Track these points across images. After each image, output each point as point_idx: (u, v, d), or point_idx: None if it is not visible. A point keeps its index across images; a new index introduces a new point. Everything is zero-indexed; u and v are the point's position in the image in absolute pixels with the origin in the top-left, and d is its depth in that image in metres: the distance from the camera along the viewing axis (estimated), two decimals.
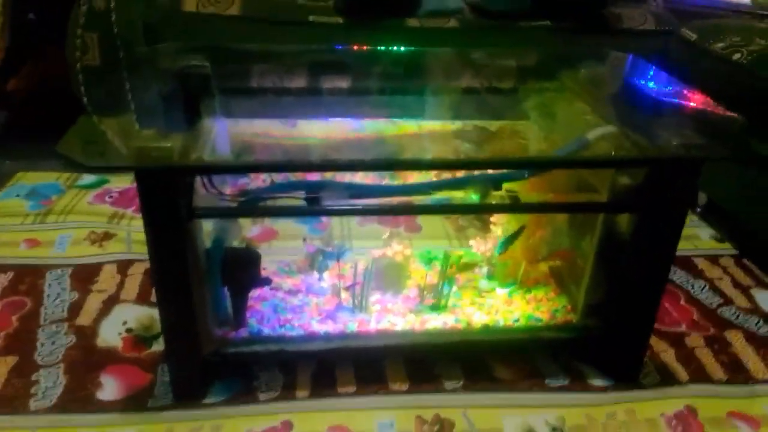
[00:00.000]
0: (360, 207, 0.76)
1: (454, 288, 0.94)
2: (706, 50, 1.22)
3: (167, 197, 0.67)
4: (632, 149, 0.75)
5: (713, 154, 0.71)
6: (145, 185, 0.65)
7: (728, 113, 0.82)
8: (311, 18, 1.26)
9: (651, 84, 1.06)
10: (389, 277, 0.93)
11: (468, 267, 1.00)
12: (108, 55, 1.21)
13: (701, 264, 1.19)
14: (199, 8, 1.23)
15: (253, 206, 0.74)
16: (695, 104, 1.00)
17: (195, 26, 1.23)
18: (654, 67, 1.09)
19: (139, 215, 1.23)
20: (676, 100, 1.01)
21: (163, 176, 0.65)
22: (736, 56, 1.15)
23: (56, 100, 1.59)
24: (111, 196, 1.31)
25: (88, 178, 1.37)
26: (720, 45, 1.20)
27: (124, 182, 1.36)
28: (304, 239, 0.93)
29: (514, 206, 0.82)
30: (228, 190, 0.78)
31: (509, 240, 0.90)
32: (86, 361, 0.88)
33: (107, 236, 1.16)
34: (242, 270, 0.81)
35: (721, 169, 1.19)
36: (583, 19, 1.34)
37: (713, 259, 1.21)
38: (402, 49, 1.18)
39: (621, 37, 1.36)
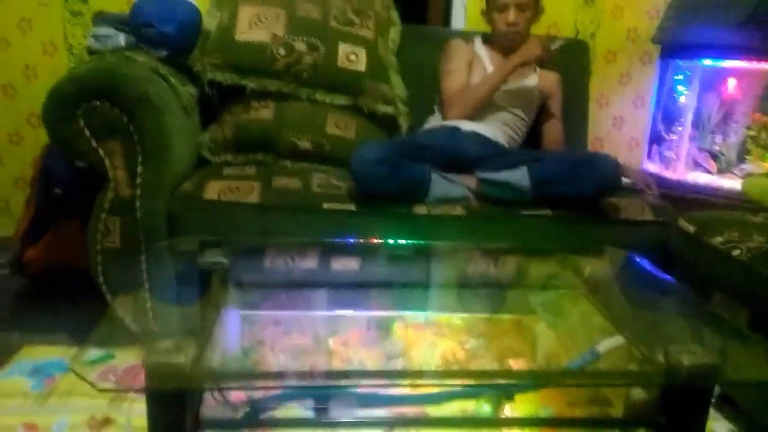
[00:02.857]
0: (370, 419, 0.74)
1: None
2: (706, 244, 1.26)
3: (175, 413, 0.66)
4: (644, 363, 0.75)
5: (724, 378, 0.71)
6: (155, 402, 0.65)
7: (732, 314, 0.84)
8: (325, 206, 1.32)
9: (652, 280, 1.08)
10: None
11: None
12: (129, 240, 1.26)
13: None
14: (220, 196, 1.30)
15: (258, 418, 0.73)
16: (698, 303, 1.02)
17: (216, 214, 1.28)
18: (654, 261, 1.12)
19: (141, 397, 1.22)
20: (680, 299, 1.03)
21: (174, 393, 0.65)
22: (736, 252, 1.18)
23: (72, 272, 1.64)
24: (115, 375, 1.29)
25: (93, 354, 1.35)
26: (719, 239, 1.24)
27: (129, 357, 1.34)
28: None
29: (527, 421, 0.80)
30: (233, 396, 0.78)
31: None
32: None
33: (106, 422, 1.13)
34: None
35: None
36: (582, 210, 1.40)
37: None
38: (409, 241, 1.22)
39: (619, 228, 1.41)
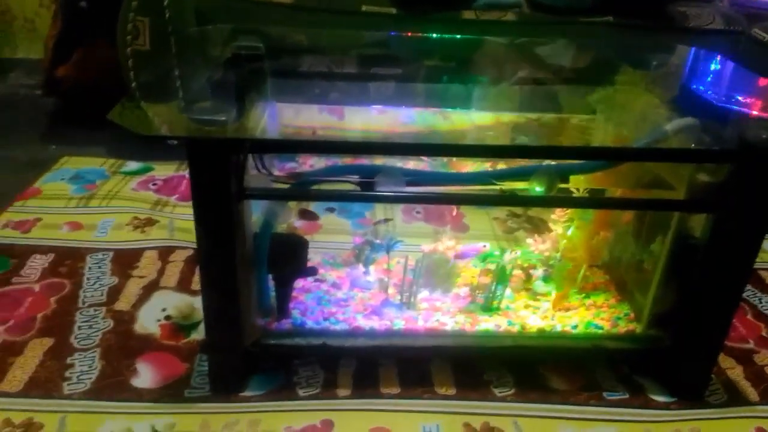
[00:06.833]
0: (416, 194, 0.71)
1: (508, 290, 0.88)
2: None
3: (219, 174, 0.63)
4: (715, 143, 0.69)
5: None
6: (196, 160, 0.62)
7: None
8: (364, 8, 1.22)
9: (721, 84, 1.00)
10: (439, 274, 0.88)
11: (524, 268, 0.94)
12: (158, 40, 1.20)
13: None
14: None
15: (305, 189, 0.70)
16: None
17: (247, 14, 1.20)
18: (723, 66, 1.03)
19: (183, 203, 1.23)
20: (751, 99, 0.95)
21: (216, 151, 0.62)
22: None
23: (105, 89, 1.60)
24: (155, 184, 1.29)
25: (132, 165, 1.35)
26: None
27: (168, 170, 1.34)
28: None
29: (589, 201, 0.76)
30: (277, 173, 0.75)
31: None
32: (123, 346, 0.85)
33: (150, 222, 1.14)
34: (289, 257, 0.77)
35: None
36: (648, 17, 1.27)
37: None
38: (458, 37, 1.13)
39: (687, 36, 1.29)
